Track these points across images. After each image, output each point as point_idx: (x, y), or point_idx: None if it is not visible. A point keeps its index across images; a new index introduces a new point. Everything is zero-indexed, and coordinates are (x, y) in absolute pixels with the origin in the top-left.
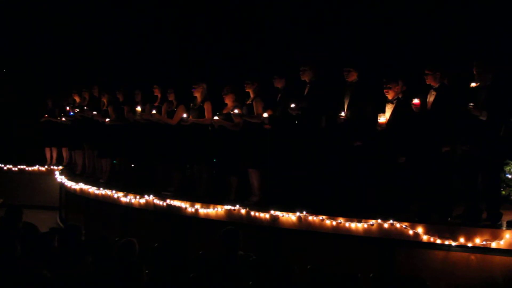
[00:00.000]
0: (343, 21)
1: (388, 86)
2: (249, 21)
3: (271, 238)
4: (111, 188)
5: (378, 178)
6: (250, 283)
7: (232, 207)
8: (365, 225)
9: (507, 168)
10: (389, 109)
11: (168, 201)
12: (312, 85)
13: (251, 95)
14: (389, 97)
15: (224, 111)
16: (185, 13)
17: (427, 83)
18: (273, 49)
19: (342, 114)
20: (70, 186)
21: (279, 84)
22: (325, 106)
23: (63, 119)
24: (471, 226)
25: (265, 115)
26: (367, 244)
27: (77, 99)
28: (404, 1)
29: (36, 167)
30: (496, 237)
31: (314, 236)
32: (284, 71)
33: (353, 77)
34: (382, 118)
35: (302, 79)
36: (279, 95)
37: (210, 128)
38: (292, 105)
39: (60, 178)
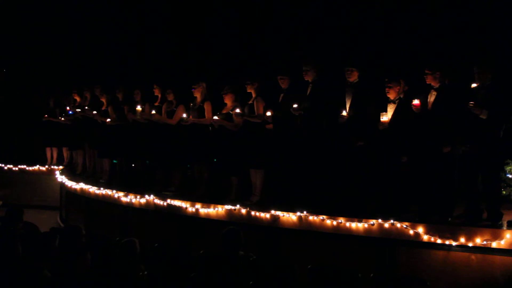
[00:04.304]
0: (344, 21)
1: (389, 85)
2: (250, 20)
3: (272, 238)
4: (111, 188)
5: (379, 178)
6: (251, 283)
7: (233, 207)
8: (366, 225)
9: (507, 168)
10: (391, 109)
11: (168, 201)
12: (315, 85)
13: (253, 95)
14: (391, 97)
15: (224, 111)
16: (185, 12)
17: (427, 83)
18: (275, 49)
19: (344, 113)
20: (71, 186)
21: (284, 84)
22: (328, 106)
23: (63, 119)
24: (471, 226)
25: (268, 114)
26: (368, 244)
27: (78, 98)
28: (405, 1)
29: (36, 167)
30: (497, 237)
31: (314, 236)
32: (288, 71)
33: (354, 77)
34: (385, 117)
35: (306, 79)
36: (282, 95)
37: (210, 128)
38: (295, 105)
39: (60, 178)
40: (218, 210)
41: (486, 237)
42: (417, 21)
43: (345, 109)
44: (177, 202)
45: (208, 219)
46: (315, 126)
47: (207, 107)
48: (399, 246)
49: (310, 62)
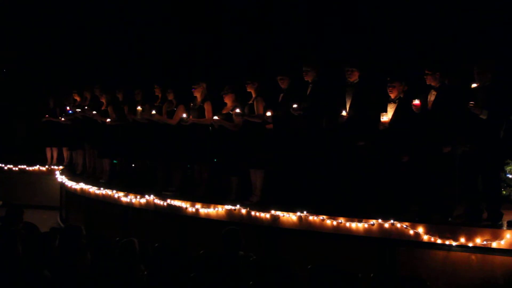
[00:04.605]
0: (345, 21)
1: (392, 85)
2: (250, 20)
3: (272, 238)
4: (111, 188)
5: (379, 178)
6: (251, 283)
7: (233, 207)
8: (366, 225)
9: (507, 168)
10: (391, 109)
11: (168, 201)
12: (315, 85)
13: (253, 95)
14: (392, 96)
15: (224, 111)
16: (185, 12)
17: (428, 83)
18: (275, 49)
19: (344, 113)
20: (71, 186)
21: (283, 84)
22: (327, 106)
23: (63, 119)
24: (471, 226)
25: (268, 114)
26: (368, 244)
27: (78, 98)
28: (405, 1)
29: (36, 167)
30: (497, 237)
31: (314, 236)
32: (288, 71)
33: (355, 77)
34: (385, 117)
35: (306, 79)
36: (282, 95)
37: (210, 128)
38: (295, 105)
39: (60, 178)
40: (218, 210)
41: (486, 237)
42: (417, 21)
43: (345, 109)
44: (177, 202)
45: (208, 219)
46: (315, 126)
47: (207, 107)
48: (399, 246)
49: (310, 62)
